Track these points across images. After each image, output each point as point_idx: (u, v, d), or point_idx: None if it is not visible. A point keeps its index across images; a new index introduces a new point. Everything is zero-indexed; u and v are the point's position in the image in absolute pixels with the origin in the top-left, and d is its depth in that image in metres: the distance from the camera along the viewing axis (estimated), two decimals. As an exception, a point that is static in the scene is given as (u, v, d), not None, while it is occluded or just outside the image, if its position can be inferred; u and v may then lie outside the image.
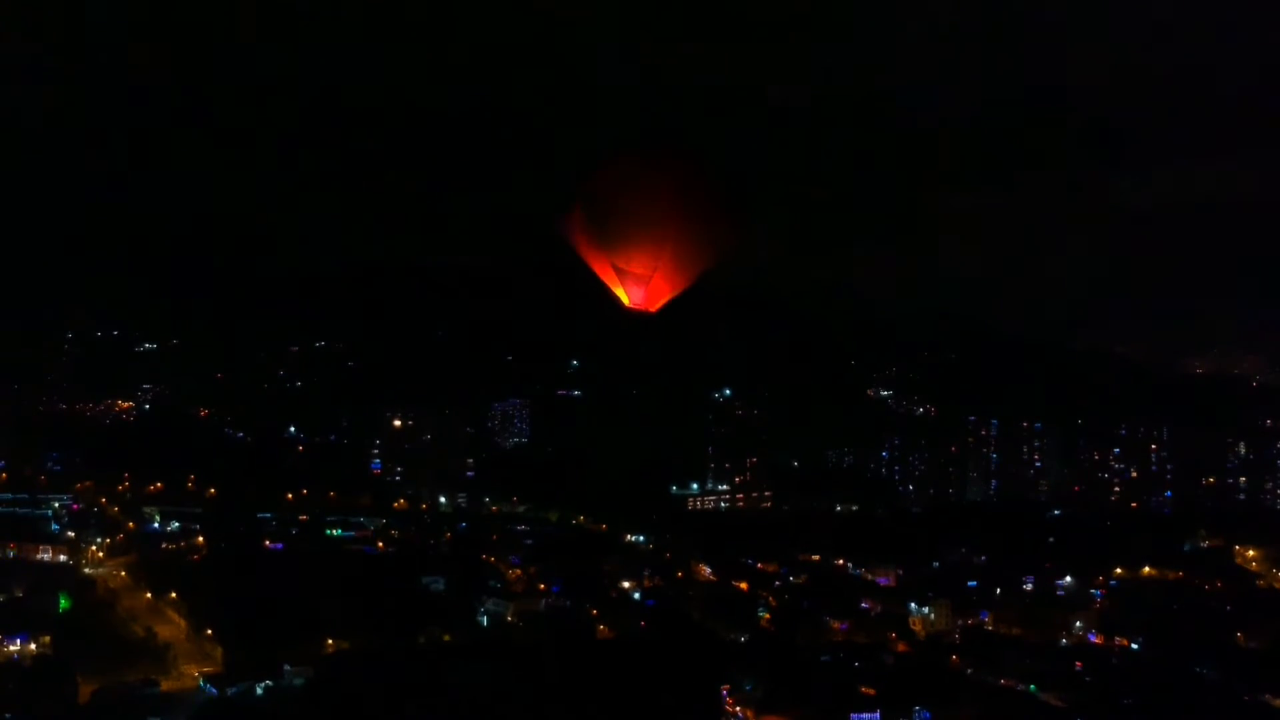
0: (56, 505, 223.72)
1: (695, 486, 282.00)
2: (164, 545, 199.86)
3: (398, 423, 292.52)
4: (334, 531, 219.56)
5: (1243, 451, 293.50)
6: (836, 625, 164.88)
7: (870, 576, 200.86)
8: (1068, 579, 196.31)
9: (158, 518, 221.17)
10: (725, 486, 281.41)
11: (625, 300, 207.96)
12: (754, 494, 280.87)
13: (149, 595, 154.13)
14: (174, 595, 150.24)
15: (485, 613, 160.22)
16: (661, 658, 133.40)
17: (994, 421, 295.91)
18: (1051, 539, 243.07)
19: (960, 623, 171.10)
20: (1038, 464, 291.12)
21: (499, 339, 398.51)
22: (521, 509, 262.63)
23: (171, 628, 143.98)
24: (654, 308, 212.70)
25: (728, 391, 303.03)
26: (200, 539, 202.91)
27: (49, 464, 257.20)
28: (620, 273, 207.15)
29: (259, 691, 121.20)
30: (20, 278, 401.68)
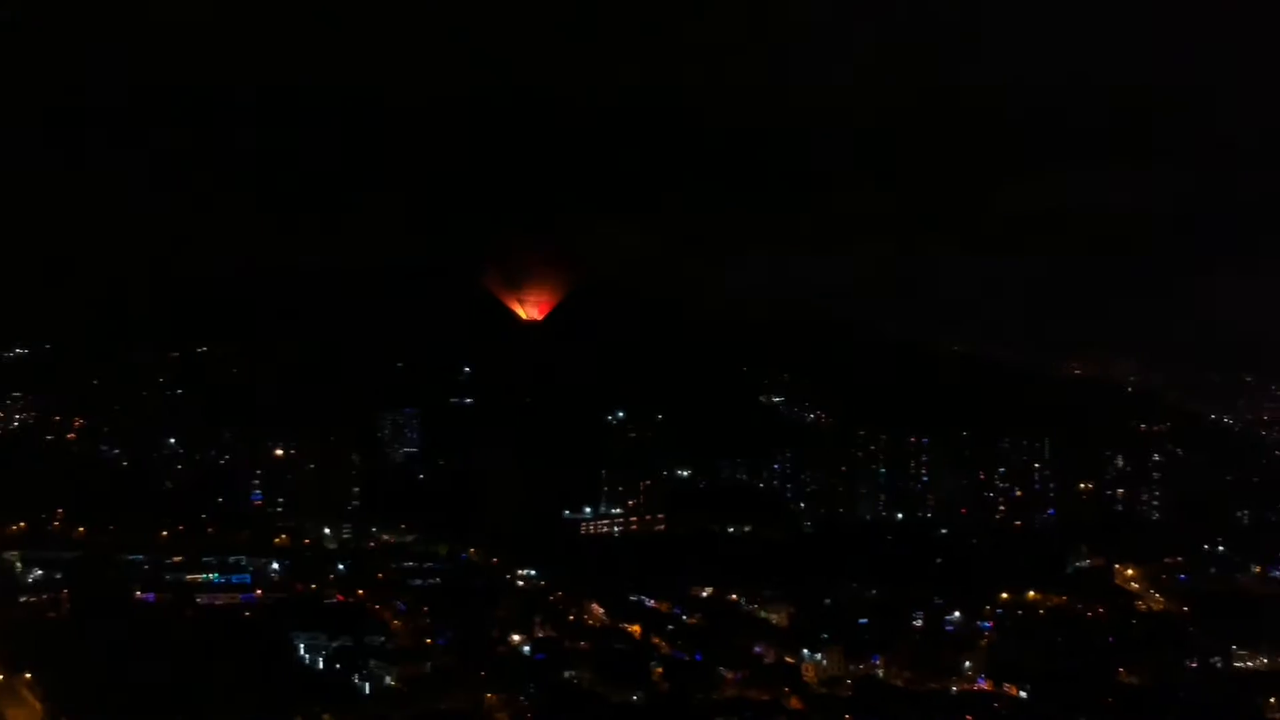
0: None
1: (588, 510, 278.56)
2: (24, 599, 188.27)
3: (279, 451, 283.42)
4: (210, 576, 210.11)
5: (1120, 463, 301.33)
6: (730, 676, 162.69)
7: (764, 614, 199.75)
8: (956, 614, 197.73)
9: (19, 565, 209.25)
10: (618, 510, 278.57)
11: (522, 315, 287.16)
12: (647, 516, 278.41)
13: (1, 676, 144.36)
14: (29, 676, 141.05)
15: (368, 677, 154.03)
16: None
17: (883, 437, 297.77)
18: (939, 560, 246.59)
19: (852, 667, 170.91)
20: (924, 478, 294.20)
21: (389, 344, 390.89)
22: (410, 538, 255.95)
23: (26, 711, 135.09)
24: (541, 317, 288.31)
25: (620, 414, 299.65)
26: (64, 590, 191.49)
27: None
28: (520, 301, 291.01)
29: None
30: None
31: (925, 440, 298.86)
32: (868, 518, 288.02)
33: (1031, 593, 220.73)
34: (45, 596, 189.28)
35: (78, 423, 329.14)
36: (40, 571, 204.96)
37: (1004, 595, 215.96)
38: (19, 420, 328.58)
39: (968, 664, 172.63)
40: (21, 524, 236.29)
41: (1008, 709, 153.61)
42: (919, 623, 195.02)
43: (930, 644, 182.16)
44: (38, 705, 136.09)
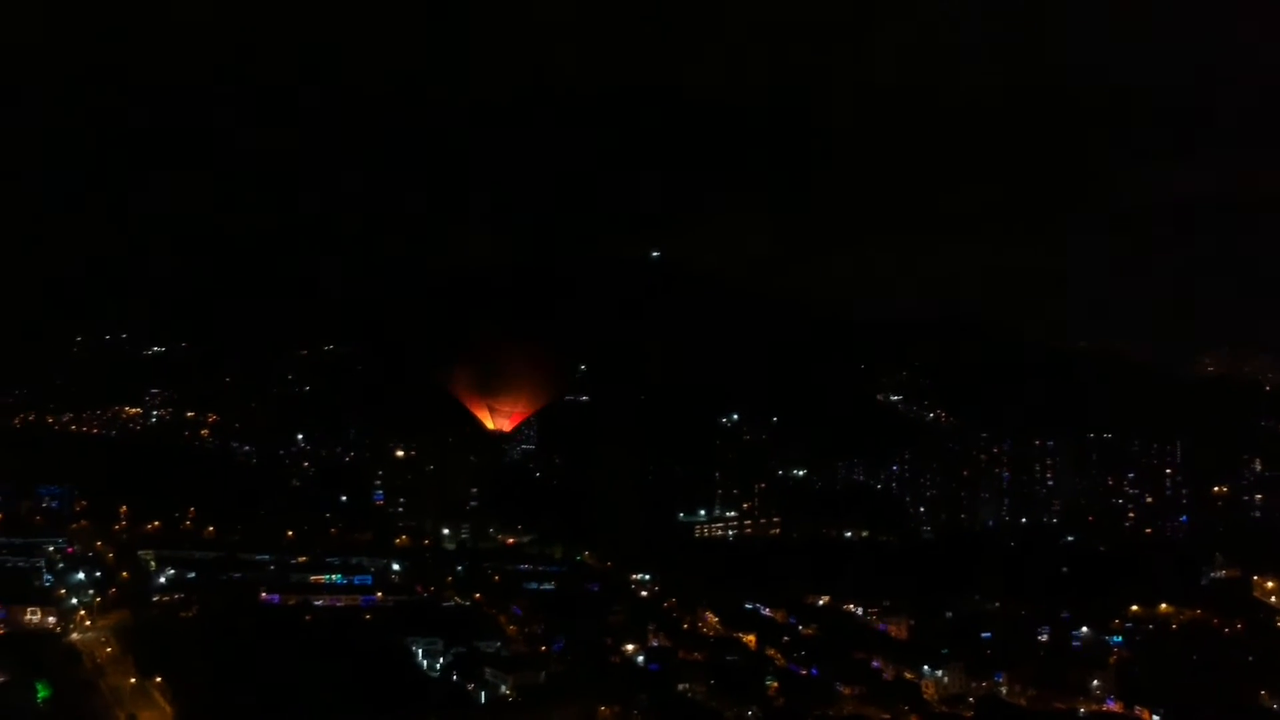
0: (50, 549, 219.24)
1: (702, 513, 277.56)
2: (157, 599, 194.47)
3: (400, 452, 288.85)
4: (333, 577, 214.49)
5: (1257, 467, 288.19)
6: (847, 692, 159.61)
7: (881, 625, 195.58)
8: (1084, 629, 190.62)
9: (153, 564, 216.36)
10: (733, 513, 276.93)
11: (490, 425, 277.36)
12: (762, 520, 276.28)
13: (133, 679, 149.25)
14: (159, 680, 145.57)
15: (483, 685, 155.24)
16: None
17: (1007, 442, 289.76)
18: (1065, 570, 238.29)
19: (974, 684, 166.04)
20: (1050, 483, 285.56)
21: (505, 342, 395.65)
22: (526, 539, 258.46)
23: (156, 713, 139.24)
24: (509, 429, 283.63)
25: (735, 415, 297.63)
26: (195, 592, 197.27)
27: (45, 500, 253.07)
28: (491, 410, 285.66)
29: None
30: (28, 281, 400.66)
31: (1051, 442, 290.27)
32: (990, 524, 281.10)
33: (1164, 606, 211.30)
34: (177, 597, 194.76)
35: (211, 419, 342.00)
36: (173, 571, 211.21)
37: (1134, 608, 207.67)
38: (156, 417, 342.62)
39: (1096, 683, 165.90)
40: (156, 523, 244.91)
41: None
42: (1044, 638, 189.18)
43: (1056, 661, 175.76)
44: (168, 709, 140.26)
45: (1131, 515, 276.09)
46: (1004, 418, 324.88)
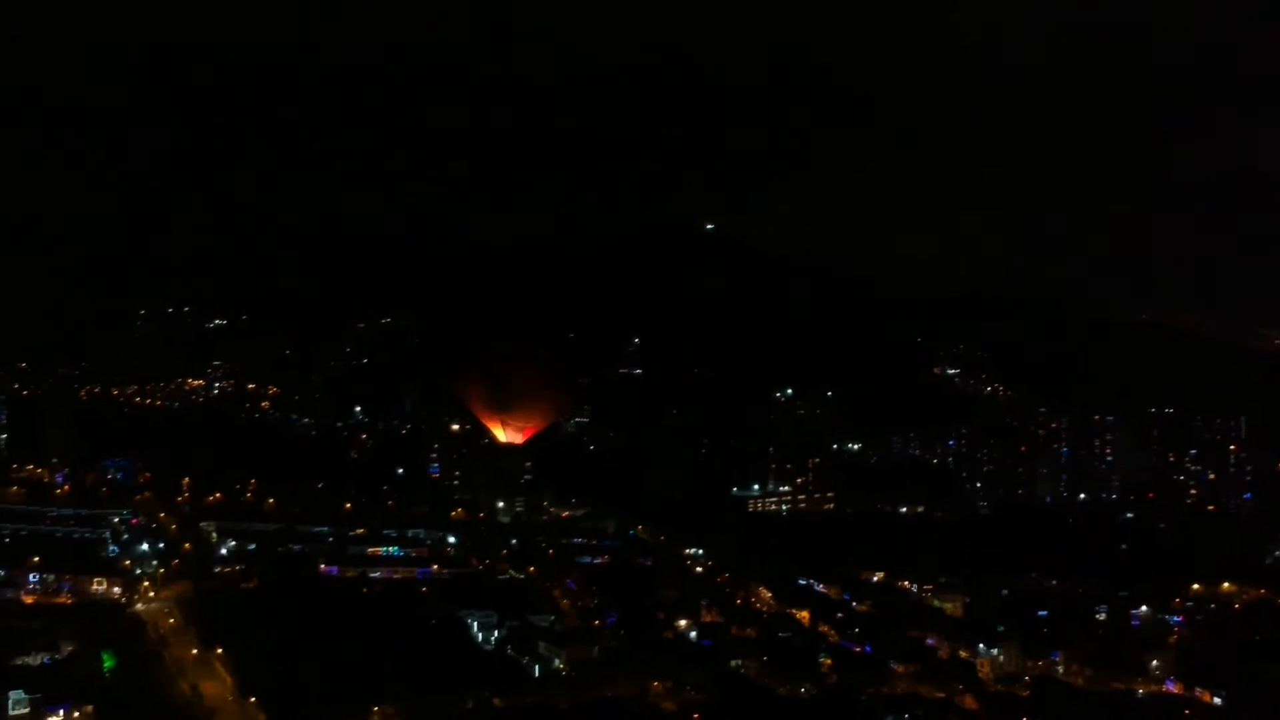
0: (116, 520, 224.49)
1: (756, 487, 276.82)
2: (219, 570, 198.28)
3: (456, 426, 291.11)
4: (390, 550, 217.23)
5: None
6: (902, 670, 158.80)
7: (936, 603, 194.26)
8: (1143, 608, 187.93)
9: (214, 535, 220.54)
10: (786, 487, 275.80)
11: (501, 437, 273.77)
12: (816, 495, 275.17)
13: (196, 650, 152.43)
14: (220, 651, 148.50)
15: (537, 659, 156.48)
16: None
17: (1066, 416, 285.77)
18: (1125, 547, 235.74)
19: (1030, 664, 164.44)
20: (1109, 458, 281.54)
21: (562, 315, 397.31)
22: (579, 514, 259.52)
23: (218, 684, 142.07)
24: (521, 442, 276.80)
25: (789, 390, 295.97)
26: (255, 564, 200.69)
27: (110, 472, 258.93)
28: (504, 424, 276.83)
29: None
30: (91, 256, 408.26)
31: (1111, 418, 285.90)
32: (1047, 500, 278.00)
33: (1227, 585, 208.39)
34: (238, 568, 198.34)
35: (272, 391, 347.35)
36: (234, 543, 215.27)
37: (1195, 587, 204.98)
38: (218, 389, 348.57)
39: (1155, 664, 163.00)
40: (217, 495, 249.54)
41: (1200, 716, 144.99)
42: (1102, 616, 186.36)
43: (1114, 640, 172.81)
44: (229, 679, 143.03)
45: (1193, 492, 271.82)
46: (1063, 392, 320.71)
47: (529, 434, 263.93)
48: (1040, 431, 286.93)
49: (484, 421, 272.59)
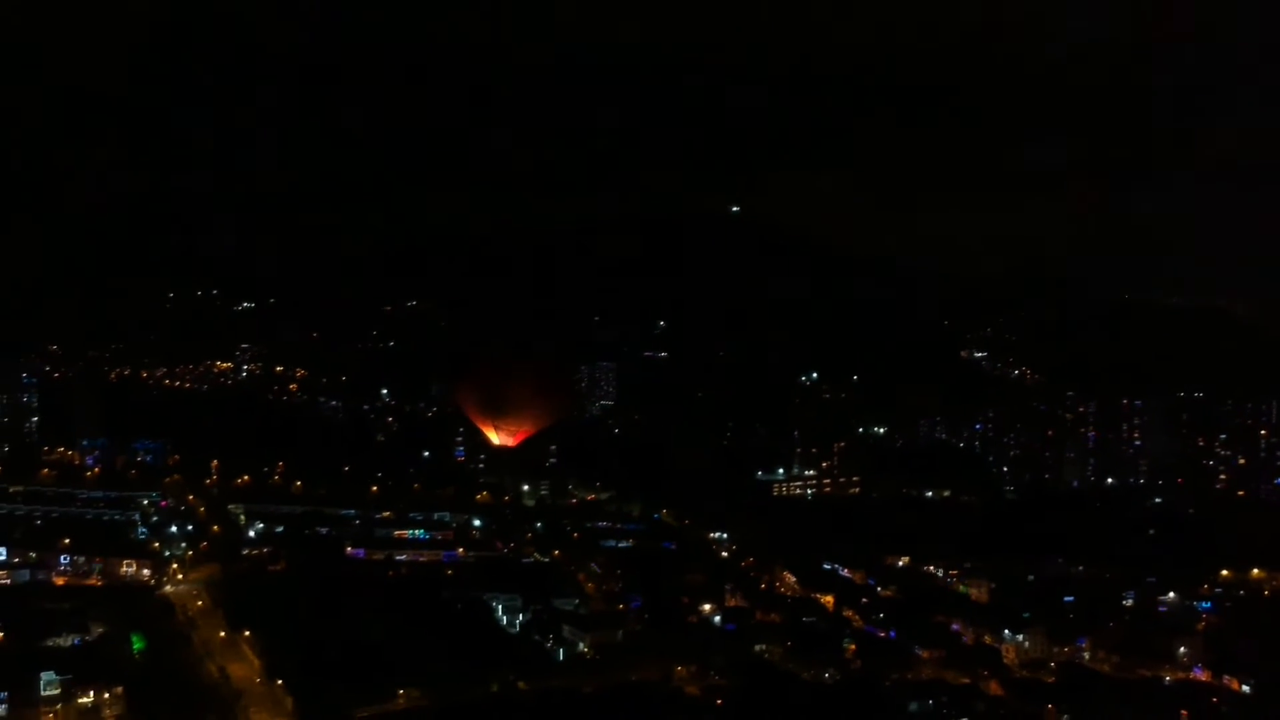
0: (145, 502, 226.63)
1: (781, 471, 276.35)
2: (247, 552, 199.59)
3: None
4: (416, 533, 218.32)
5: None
6: (926, 656, 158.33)
7: (962, 588, 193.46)
8: (1171, 594, 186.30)
9: (242, 518, 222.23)
10: (812, 471, 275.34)
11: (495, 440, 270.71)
12: (841, 479, 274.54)
13: (224, 632, 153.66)
14: (248, 633, 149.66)
15: (561, 642, 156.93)
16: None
17: (1092, 402, 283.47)
18: (1153, 532, 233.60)
19: (1056, 650, 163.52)
20: (1138, 443, 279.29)
21: (587, 298, 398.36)
22: (604, 497, 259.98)
23: (245, 666, 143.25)
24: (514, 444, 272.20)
25: (814, 374, 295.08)
26: (283, 546, 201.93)
27: (140, 454, 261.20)
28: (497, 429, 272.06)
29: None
30: (123, 240, 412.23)
31: (1139, 401, 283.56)
32: (1075, 484, 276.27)
33: (1256, 571, 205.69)
34: (266, 551, 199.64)
35: (300, 373, 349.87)
36: (261, 525, 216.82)
37: (1224, 573, 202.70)
38: (246, 371, 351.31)
39: (1183, 651, 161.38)
40: (245, 477, 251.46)
41: (1228, 704, 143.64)
42: (1129, 603, 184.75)
43: (1141, 627, 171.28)
44: (256, 662, 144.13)
45: (1223, 477, 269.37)
46: (1092, 376, 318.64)
47: (520, 438, 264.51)
48: (1068, 415, 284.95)
49: (480, 425, 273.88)
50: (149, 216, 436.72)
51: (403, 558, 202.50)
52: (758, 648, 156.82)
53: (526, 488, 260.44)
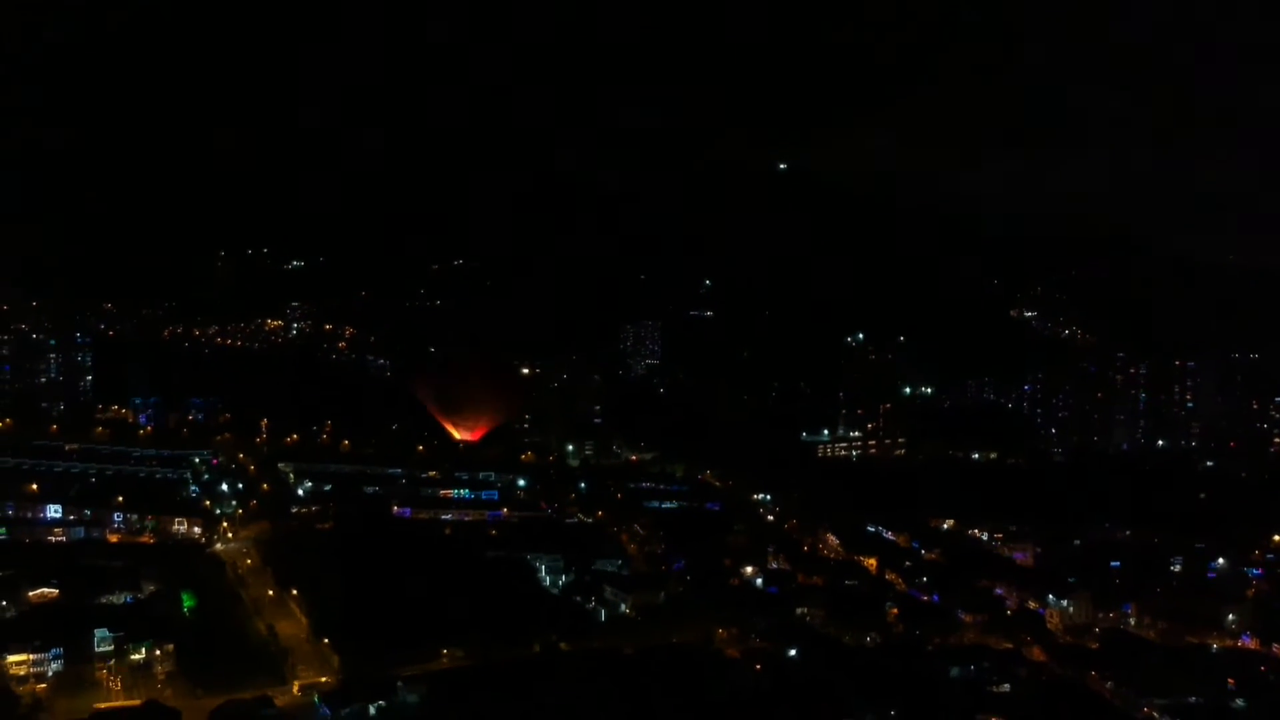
0: (197, 461, 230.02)
1: (826, 433, 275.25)
2: (296, 510, 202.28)
3: (526, 370, 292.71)
4: (461, 492, 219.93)
5: None
6: (969, 620, 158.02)
7: (1007, 552, 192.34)
8: (1220, 560, 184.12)
9: (292, 476, 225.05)
10: (857, 433, 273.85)
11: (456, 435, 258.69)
12: (887, 441, 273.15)
13: (272, 590, 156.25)
14: (295, 592, 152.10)
15: (604, 603, 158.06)
16: (780, 686, 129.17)
17: (1144, 363, 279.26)
18: (1203, 497, 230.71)
19: (1100, 615, 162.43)
20: (1189, 405, 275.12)
21: (631, 257, 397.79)
22: (648, 458, 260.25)
23: (293, 624, 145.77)
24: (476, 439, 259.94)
25: (860, 335, 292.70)
26: (331, 504, 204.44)
27: (192, 413, 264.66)
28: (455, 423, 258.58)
29: (372, 712, 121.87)
30: (176, 199, 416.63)
31: (1192, 363, 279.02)
32: (1124, 447, 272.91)
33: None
34: (314, 509, 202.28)
35: (349, 331, 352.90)
36: (310, 484, 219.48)
37: (1277, 539, 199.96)
38: (296, 329, 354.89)
39: (1231, 617, 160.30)
40: (295, 436, 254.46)
41: (1277, 673, 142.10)
42: (1177, 568, 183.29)
43: (1189, 593, 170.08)
44: (303, 620, 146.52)
45: (1277, 441, 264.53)
46: (1144, 336, 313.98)
47: (480, 434, 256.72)
48: (1119, 377, 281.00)
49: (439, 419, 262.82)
50: (202, 175, 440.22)
51: (448, 517, 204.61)
52: (800, 611, 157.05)
53: (571, 448, 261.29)
